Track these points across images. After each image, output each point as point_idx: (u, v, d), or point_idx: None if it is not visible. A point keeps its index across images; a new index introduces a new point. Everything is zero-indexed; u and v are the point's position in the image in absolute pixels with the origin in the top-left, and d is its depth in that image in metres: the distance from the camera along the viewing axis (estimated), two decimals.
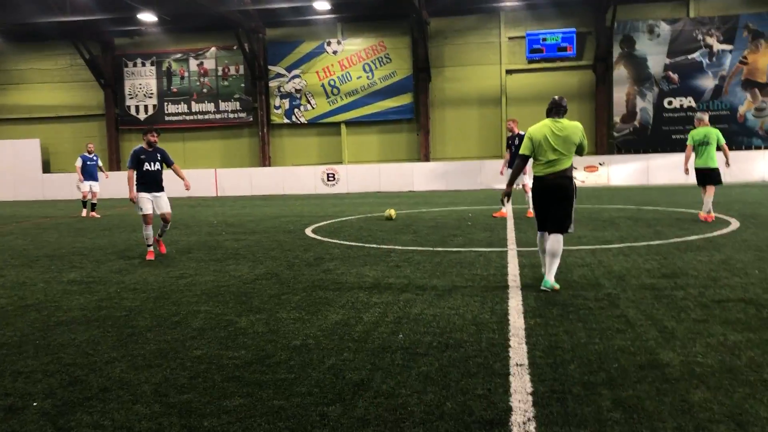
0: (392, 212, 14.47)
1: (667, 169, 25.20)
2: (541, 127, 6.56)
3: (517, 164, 6.84)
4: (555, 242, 6.45)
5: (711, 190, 11.89)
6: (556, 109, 6.59)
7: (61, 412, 3.64)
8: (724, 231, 10.41)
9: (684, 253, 8.32)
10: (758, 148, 26.37)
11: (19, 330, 5.52)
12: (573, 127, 6.51)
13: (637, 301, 5.88)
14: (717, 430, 3.18)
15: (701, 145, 11.86)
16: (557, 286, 6.40)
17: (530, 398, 3.65)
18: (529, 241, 9.96)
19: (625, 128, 27.42)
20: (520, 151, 6.69)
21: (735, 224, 11.21)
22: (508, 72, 28.73)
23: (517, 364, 4.23)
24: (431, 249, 9.54)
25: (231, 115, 30.79)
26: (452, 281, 7.02)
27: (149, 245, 9.60)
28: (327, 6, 26.72)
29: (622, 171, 26.40)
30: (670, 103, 27.17)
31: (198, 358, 4.58)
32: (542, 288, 6.40)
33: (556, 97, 6.71)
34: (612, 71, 27.38)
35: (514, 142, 13.92)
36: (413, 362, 4.33)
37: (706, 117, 12.22)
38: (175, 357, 4.61)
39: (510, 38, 28.51)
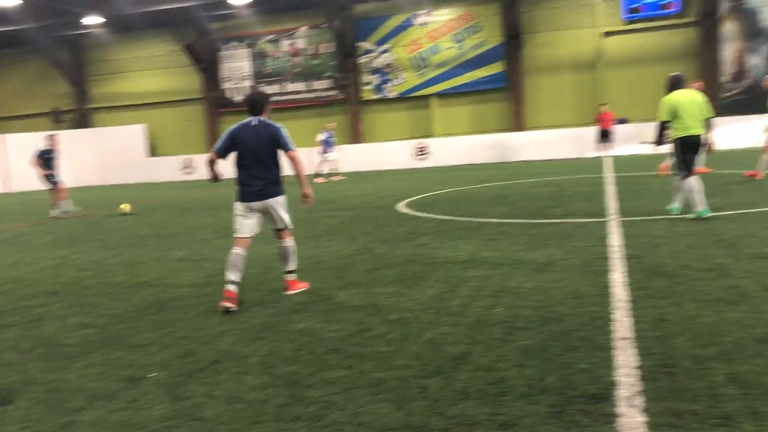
0: (126, 207, 14.71)
1: None
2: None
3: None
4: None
5: None
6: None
7: (177, 382, 3.85)
8: None
9: None
10: None
11: (135, 305, 5.87)
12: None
13: (751, 271, 5.56)
14: None
15: None
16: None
17: (637, 372, 3.54)
18: (631, 210, 9.60)
19: (735, 88, 25.75)
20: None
21: None
22: (605, 34, 27.54)
23: (621, 338, 4.10)
24: (527, 221, 9.37)
25: (323, 94, 31.23)
26: (551, 254, 6.88)
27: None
28: None
29: (730, 133, 24.84)
30: None
31: (301, 331, 4.73)
32: (704, 216, 8.20)
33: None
34: (719, 27, 25.69)
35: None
36: (513, 336, 4.29)
37: None
38: (280, 330, 4.78)
39: None
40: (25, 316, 5.72)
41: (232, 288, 5.50)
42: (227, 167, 5.84)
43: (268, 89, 31.82)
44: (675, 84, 8.77)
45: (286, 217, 5.86)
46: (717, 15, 25.65)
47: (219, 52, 32.33)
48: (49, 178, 15.11)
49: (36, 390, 3.86)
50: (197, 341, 4.65)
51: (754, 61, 25.55)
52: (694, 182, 8.43)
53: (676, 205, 9.01)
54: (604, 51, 27.63)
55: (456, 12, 29.08)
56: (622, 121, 25.46)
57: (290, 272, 6.03)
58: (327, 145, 22.73)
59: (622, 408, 3.13)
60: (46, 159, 15.12)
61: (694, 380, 3.39)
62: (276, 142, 5.76)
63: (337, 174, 23.24)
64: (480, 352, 4.02)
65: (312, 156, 24.15)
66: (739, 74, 25.61)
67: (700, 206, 8.39)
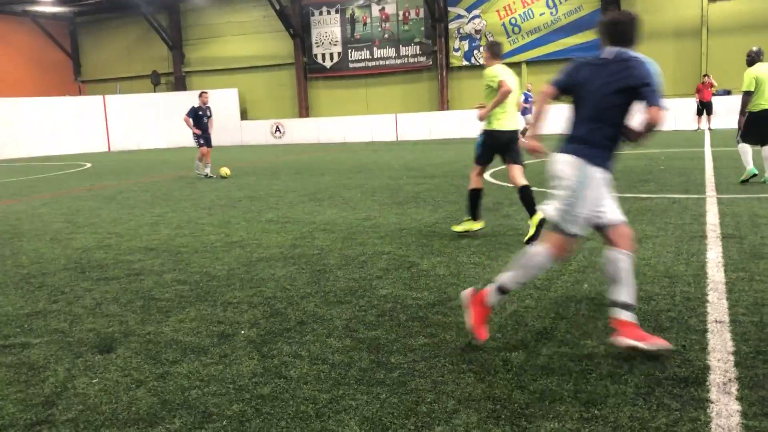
0: (226, 171, 14.64)
1: None
2: None
3: None
4: None
5: None
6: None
7: (265, 340, 3.99)
8: None
9: None
10: None
11: (227, 264, 6.10)
12: None
13: None
14: None
15: None
16: None
17: (731, 358, 3.39)
18: (730, 187, 9.11)
19: None
20: None
21: None
22: (710, 0, 25.92)
23: (716, 321, 3.93)
24: (619, 195, 8.99)
25: (411, 60, 31.04)
26: (643, 230, 6.64)
27: None
28: None
29: None
30: None
31: (384, 297, 4.79)
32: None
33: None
34: None
35: None
36: (599, 313, 4.19)
37: None
38: (363, 295, 4.85)
39: None
40: (124, 270, 6.06)
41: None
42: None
43: (357, 55, 31.93)
44: (756, 57, 9.56)
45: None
46: None
47: (311, 17, 32.59)
48: (196, 137, 15.15)
49: (135, 341, 4.10)
50: (284, 301, 4.79)
51: None
52: (746, 147, 9.62)
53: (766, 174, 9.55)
54: (710, 17, 26.04)
55: None
56: (725, 93, 24.07)
57: (624, 306, 3.57)
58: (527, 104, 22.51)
59: (714, 394, 3.01)
60: (196, 117, 15.09)
61: None
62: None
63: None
64: (565, 328, 3.96)
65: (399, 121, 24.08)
66: None
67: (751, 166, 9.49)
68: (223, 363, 3.66)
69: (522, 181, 6.71)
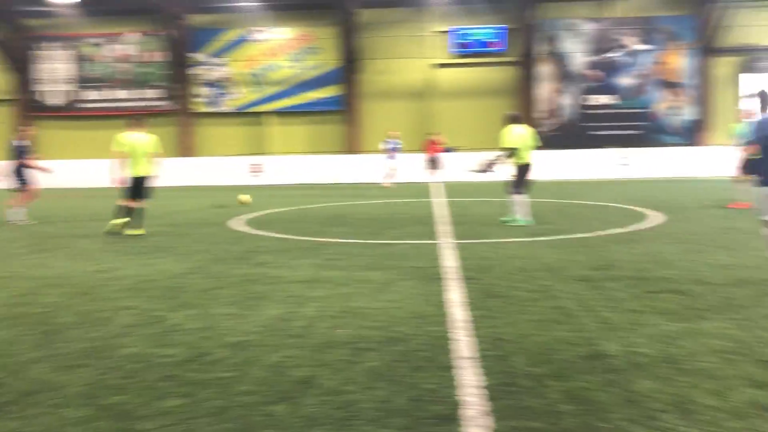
0: (245, 198, 15.57)
1: (590, 165, 25.95)
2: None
3: None
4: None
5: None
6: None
7: None
8: (648, 224, 10.78)
9: (612, 245, 8.55)
10: (672, 144, 27.61)
11: None
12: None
13: (572, 292, 5.96)
14: (664, 419, 3.22)
15: None
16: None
17: (480, 392, 3.61)
18: (461, 233, 10.02)
19: (550, 124, 28.13)
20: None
21: (657, 217, 11.63)
22: (436, 66, 28.96)
23: (463, 357, 4.18)
24: (366, 241, 9.44)
25: (152, 103, 29.72)
26: (391, 274, 6.95)
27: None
28: None
29: (546, 166, 26.98)
30: (590, 100, 28.08)
31: (129, 356, 4.32)
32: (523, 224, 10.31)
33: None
34: (536, 68, 28.03)
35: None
36: (359, 357, 4.22)
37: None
38: (104, 356, 4.33)
39: (438, 32, 28.74)
40: None
41: None
42: None
43: (92, 95, 29.77)
44: (513, 119, 11.08)
45: None
46: (534, 57, 27.96)
47: (35, 51, 29.68)
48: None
49: None
50: (3, 370, 4.08)
51: (565, 101, 28.13)
52: (521, 198, 10.83)
53: (514, 216, 10.92)
54: (435, 82, 29.03)
55: (295, 32, 29.15)
56: (449, 150, 26.75)
57: None
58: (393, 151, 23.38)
59: (468, 428, 3.15)
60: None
61: (534, 398, 3.51)
62: None
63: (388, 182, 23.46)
64: (327, 375, 3.90)
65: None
66: (553, 112, 28.05)
67: (526, 217, 10.85)
68: None
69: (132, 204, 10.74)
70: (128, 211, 10.77)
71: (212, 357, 4.27)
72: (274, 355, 4.29)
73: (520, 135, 10.86)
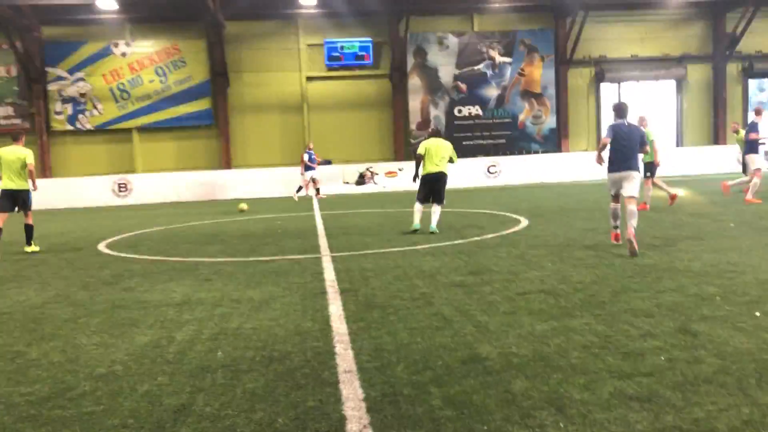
0: (243, 206, 16.81)
1: (462, 174, 26.80)
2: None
3: None
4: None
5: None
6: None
7: None
8: (516, 228, 11.28)
9: (485, 251, 8.86)
10: (536, 152, 29.17)
11: None
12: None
13: (449, 298, 6.10)
14: (540, 416, 3.34)
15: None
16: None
17: (363, 404, 3.58)
18: (340, 246, 10.02)
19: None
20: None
21: (525, 222, 12.20)
22: (309, 79, 28.95)
23: (345, 371, 4.15)
24: (242, 259, 9.21)
25: (3, 122, 27.59)
26: (269, 291, 6.80)
27: None
28: (113, 5, 25.03)
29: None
30: (459, 111, 29.12)
31: None
32: (431, 231, 10.76)
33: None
34: (407, 80, 28.69)
35: None
36: (237, 380, 4.08)
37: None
38: None
39: (309, 45, 28.76)
40: None
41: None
42: None
43: None
44: (433, 133, 12.00)
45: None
46: (404, 69, 28.64)
47: None
48: None
49: None
50: None
51: (436, 112, 29.00)
52: (419, 206, 11.40)
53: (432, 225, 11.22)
54: (309, 94, 29.00)
55: (159, 45, 28.14)
56: (327, 162, 26.79)
57: None
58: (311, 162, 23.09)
59: None
60: None
61: (415, 406, 3.53)
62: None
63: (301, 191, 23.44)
64: (203, 401, 3.73)
65: None
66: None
67: (416, 222, 11.26)
68: None
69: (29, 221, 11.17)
70: None
71: (77, 391, 3.97)
72: (147, 384, 4.05)
73: (431, 146, 11.35)
